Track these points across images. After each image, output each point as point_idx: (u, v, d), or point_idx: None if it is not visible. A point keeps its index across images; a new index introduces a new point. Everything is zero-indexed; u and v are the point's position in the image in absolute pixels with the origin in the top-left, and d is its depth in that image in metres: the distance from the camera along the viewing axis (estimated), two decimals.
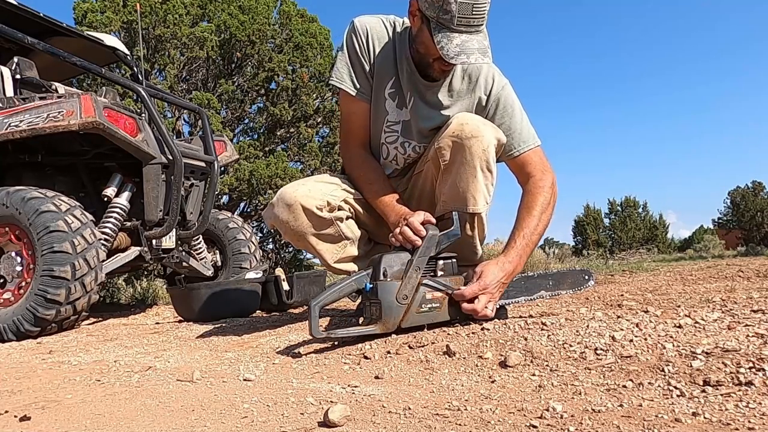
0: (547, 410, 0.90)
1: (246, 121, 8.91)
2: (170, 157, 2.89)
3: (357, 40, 1.70)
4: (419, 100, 1.72)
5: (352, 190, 1.77)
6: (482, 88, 1.71)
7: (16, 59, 3.10)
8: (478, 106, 1.72)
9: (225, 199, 8.02)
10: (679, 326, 1.22)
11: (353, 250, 1.77)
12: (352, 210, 1.77)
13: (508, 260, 1.55)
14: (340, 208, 1.71)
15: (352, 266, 1.78)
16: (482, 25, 1.49)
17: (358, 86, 1.72)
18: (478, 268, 1.53)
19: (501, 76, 1.74)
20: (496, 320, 1.47)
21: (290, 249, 9.25)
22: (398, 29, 1.72)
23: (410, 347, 1.35)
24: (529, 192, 1.67)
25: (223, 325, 2.26)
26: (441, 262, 1.50)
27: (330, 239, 1.72)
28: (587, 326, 1.28)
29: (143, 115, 3.12)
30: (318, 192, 1.68)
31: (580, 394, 0.97)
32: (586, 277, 1.70)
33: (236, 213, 7.36)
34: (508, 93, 1.72)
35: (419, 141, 1.77)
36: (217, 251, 3.87)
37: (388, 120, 1.76)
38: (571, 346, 1.19)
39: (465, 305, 1.47)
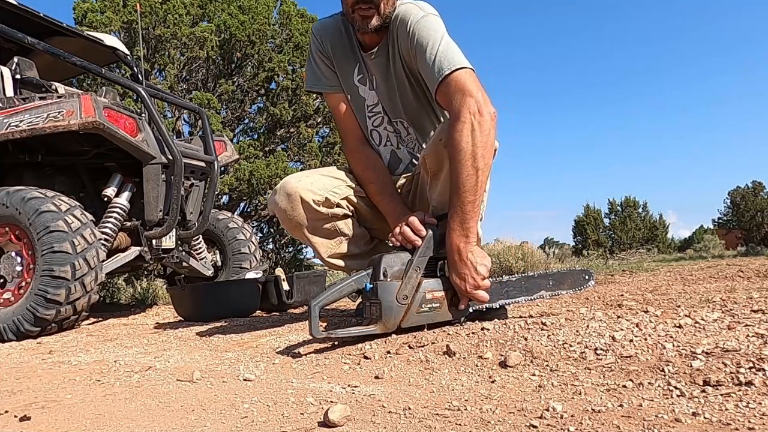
0: (547, 410, 0.90)
1: (246, 121, 8.91)
2: (170, 157, 2.89)
3: (314, 42, 1.81)
4: (374, 75, 1.76)
5: (359, 188, 1.78)
6: (405, 34, 1.60)
7: (16, 59, 3.10)
8: (409, 52, 1.61)
9: (225, 199, 8.02)
10: (679, 326, 1.22)
11: (348, 248, 1.79)
12: (352, 208, 1.77)
13: (476, 243, 1.45)
14: (338, 206, 1.72)
15: (345, 263, 1.79)
16: None
17: (328, 82, 1.80)
18: (468, 256, 1.42)
19: (420, 10, 1.59)
20: (496, 320, 1.47)
21: (290, 249, 9.25)
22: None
23: (410, 347, 1.35)
24: (449, 142, 1.43)
25: (223, 325, 2.26)
26: (441, 262, 1.50)
27: (325, 234, 1.74)
28: (587, 326, 1.28)
29: (143, 115, 3.12)
30: (320, 186, 1.69)
31: (580, 394, 0.97)
32: (587, 277, 1.70)
33: (236, 213, 7.37)
34: (425, 23, 1.55)
35: (395, 116, 1.80)
36: (217, 251, 3.87)
37: (368, 104, 1.80)
38: (571, 346, 1.19)
39: (476, 293, 1.44)
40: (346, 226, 1.76)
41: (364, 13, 1.61)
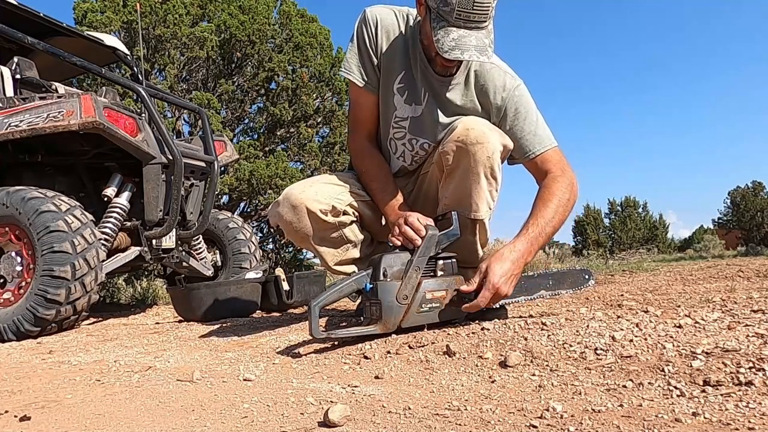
0: (547, 410, 0.90)
1: (246, 121, 8.92)
2: (170, 157, 2.89)
3: (366, 30, 1.66)
4: (434, 96, 1.67)
5: (360, 192, 1.75)
6: (492, 93, 1.66)
7: (16, 59, 3.10)
8: (490, 112, 1.67)
9: (225, 199, 8.02)
10: (679, 326, 1.22)
11: (355, 253, 1.77)
12: (356, 213, 1.75)
13: (516, 248, 1.48)
14: (344, 213, 1.70)
15: (352, 268, 1.78)
16: (484, 22, 1.43)
17: (365, 78, 1.68)
18: (482, 265, 1.47)
19: (514, 79, 1.68)
20: (496, 320, 1.47)
21: (290, 249, 9.25)
22: (411, 22, 1.67)
23: (410, 347, 1.35)
24: (546, 186, 1.60)
25: (223, 325, 2.26)
26: (441, 261, 1.50)
27: (332, 243, 1.72)
28: (587, 326, 1.28)
29: (143, 115, 3.12)
30: (325, 195, 1.66)
31: (580, 394, 0.97)
32: (587, 277, 1.70)
33: (236, 213, 7.37)
34: (522, 95, 1.67)
35: (432, 139, 1.72)
36: (217, 251, 3.87)
37: (396, 116, 1.72)
38: (571, 346, 1.19)
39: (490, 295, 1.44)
40: (352, 232, 1.74)
41: (447, 63, 1.57)
